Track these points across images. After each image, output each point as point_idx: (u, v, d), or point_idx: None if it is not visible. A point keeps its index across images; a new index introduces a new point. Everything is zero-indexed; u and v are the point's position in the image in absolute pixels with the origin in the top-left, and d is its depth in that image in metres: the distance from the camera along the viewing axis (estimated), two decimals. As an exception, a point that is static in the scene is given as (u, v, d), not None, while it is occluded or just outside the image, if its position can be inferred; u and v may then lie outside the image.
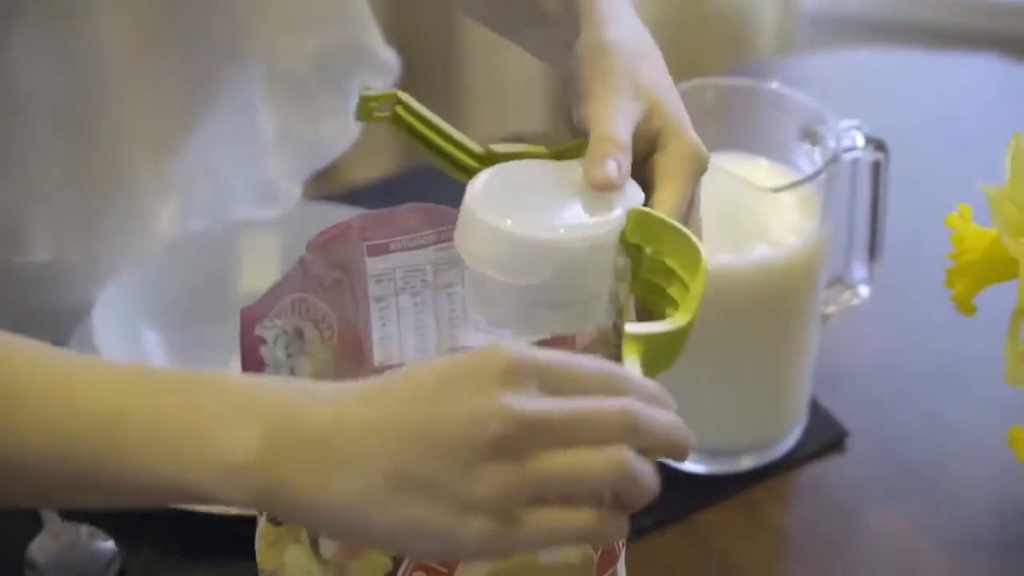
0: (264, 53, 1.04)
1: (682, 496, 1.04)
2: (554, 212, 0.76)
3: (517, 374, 0.64)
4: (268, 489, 0.64)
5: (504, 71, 2.08)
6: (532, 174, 0.79)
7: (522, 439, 0.63)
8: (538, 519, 0.63)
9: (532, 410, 0.63)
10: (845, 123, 1.01)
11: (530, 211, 0.76)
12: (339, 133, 1.10)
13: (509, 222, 0.75)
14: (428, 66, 2.06)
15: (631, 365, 0.70)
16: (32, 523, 1.00)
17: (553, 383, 0.65)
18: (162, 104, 0.99)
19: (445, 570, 0.77)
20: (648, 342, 0.71)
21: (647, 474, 0.66)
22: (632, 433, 0.65)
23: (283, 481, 0.63)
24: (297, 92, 1.07)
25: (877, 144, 1.02)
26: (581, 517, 0.64)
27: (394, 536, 0.63)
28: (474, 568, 0.77)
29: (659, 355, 0.72)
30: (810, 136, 1.02)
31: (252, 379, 0.69)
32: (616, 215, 0.76)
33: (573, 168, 0.79)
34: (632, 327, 0.71)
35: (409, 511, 0.63)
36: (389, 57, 1.10)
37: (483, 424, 0.62)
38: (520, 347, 0.65)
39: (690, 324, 0.73)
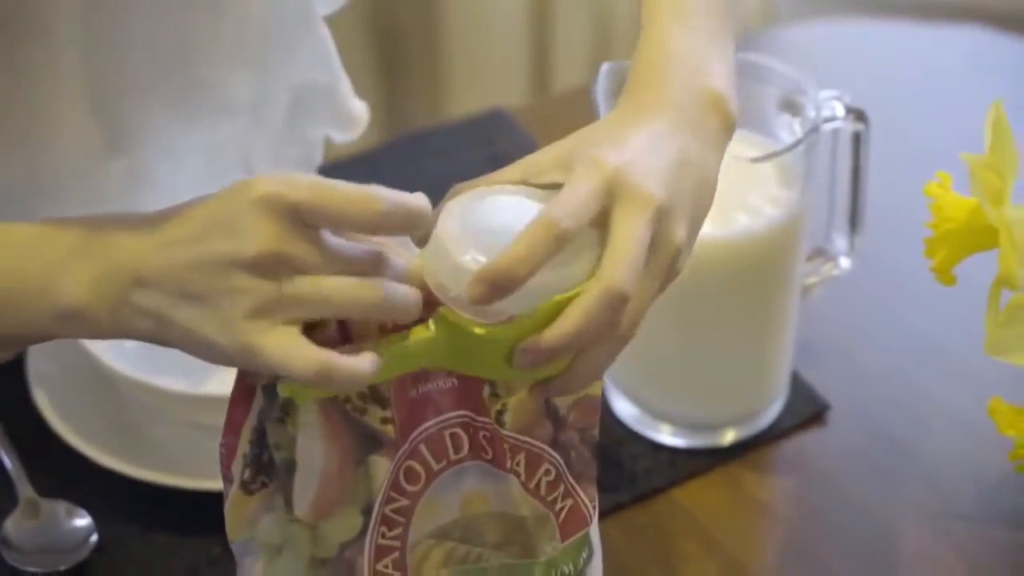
0: (226, 87, 1.02)
1: (663, 470, 1.04)
2: None
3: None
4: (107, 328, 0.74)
5: (486, 47, 2.07)
6: (507, 204, 0.78)
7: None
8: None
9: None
10: (825, 93, 1.00)
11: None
12: None
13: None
14: (411, 42, 2.05)
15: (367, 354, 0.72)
16: (7, 499, 0.99)
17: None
18: (101, 60, 0.97)
19: (402, 519, 0.78)
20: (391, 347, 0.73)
21: (404, 297, 0.73)
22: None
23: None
24: (256, 124, 1.05)
25: (858, 114, 1.01)
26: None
27: (180, 342, 0.73)
28: (431, 520, 0.79)
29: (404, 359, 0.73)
30: (790, 107, 1.01)
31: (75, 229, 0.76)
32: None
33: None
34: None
35: (185, 320, 0.73)
36: (357, 108, 1.08)
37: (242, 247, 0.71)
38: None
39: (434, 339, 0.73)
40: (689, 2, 0.85)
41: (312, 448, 0.76)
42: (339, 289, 0.72)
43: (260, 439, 0.76)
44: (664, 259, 0.77)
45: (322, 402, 0.76)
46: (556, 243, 0.73)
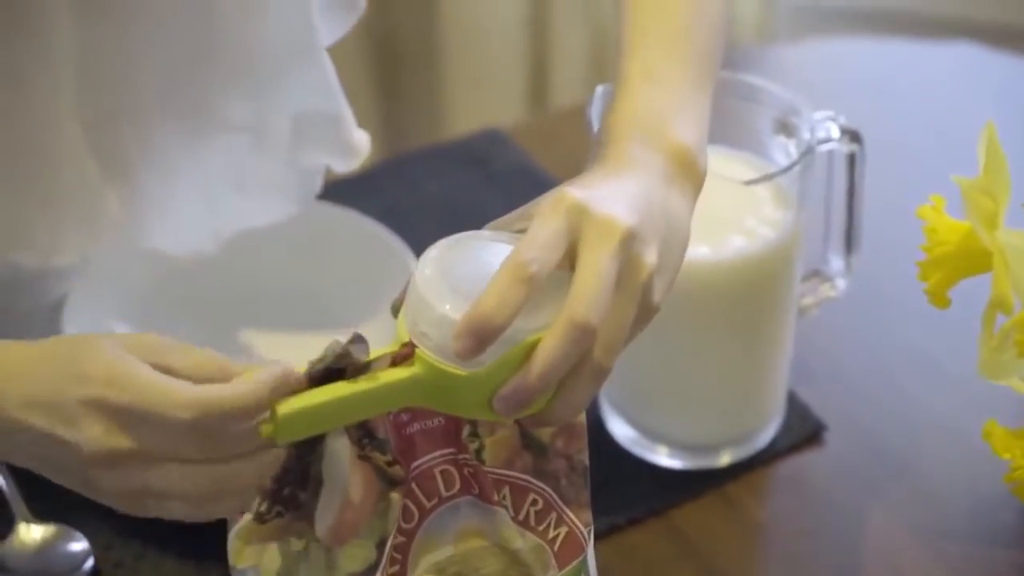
0: (227, 112, 1.02)
1: (659, 492, 1.04)
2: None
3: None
4: None
5: (483, 63, 2.07)
6: (483, 250, 0.78)
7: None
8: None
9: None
10: (820, 114, 1.01)
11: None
12: (267, 208, 1.07)
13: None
14: (409, 58, 2.06)
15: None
16: (3, 523, 0.99)
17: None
18: (97, 93, 0.97)
19: (400, 556, 0.78)
20: (287, 418, 0.72)
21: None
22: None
23: None
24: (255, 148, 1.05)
25: (852, 135, 1.01)
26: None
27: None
28: (428, 556, 0.79)
29: (302, 423, 0.73)
30: (785, 128, 1.01)
31: None
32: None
33: None
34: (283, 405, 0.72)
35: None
36: (358, 138, 1.06)
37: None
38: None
39: (337, 399, 0.73)
40: (659, 58, 0.86)
41: (338, 473, 0.76)
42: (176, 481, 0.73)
43: (283, 475, 0.76)
44: (635, 284, 0.76)
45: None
46: (527, 286, 0.72)
